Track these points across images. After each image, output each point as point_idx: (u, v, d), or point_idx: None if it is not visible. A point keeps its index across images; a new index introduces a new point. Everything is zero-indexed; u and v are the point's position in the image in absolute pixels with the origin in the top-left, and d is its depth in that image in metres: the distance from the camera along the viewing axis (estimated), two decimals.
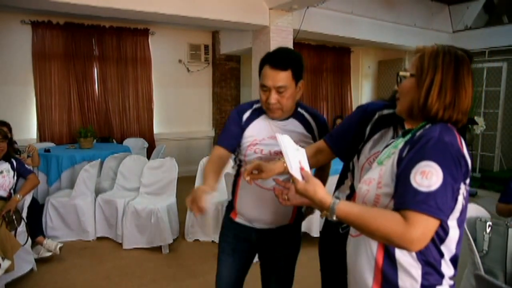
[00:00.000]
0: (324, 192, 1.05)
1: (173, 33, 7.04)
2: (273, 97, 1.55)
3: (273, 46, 5.38)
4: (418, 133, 1.05)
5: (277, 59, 1.55)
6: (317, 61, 8.04)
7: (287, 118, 1.67)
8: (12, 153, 3.40)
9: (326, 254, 1.69)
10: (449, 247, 1.04)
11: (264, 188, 1.62)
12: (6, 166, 3.23)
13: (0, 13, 5.62)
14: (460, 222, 1.05)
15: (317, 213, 1.61)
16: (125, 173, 4.36)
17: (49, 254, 3.44)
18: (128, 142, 6.25)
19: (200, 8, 4.82)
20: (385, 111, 1.39)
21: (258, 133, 1.65)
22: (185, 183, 4.07)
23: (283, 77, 1.53)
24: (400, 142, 1.11)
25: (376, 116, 1.39)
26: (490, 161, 7.52)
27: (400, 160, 1.03)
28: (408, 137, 1.09)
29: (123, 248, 3.76)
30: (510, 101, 7.42)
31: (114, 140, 6.50)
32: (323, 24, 6.14)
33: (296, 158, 1.10)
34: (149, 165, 4.13)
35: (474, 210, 2.27)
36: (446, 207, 0.95)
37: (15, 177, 3.30)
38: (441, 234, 1.01)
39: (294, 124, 1.66)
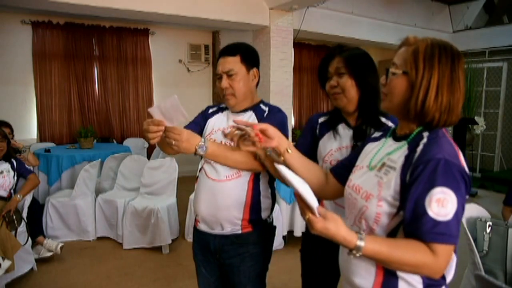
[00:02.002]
0: (346, 229, 0.96)
1: (173, 33, 7.05)
2: (224, 81, 1.60)
3: (273, 46, 5.38)
4: (418, 149, 1.00)
5: (226, 48, 1.64)
6: (317, 61, 8.02)
7: (245, 111, 1.67)
8: (12, 153, 3.40)
9: (307, 259, 1.69)
10: (452, 258, 1.04)
11: (213, 180, 1.60)
12: (6, 166, 3.23)
13: (0, 13, 5.63)
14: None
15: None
16: (125, 173, 4.36)
17: (49, 254, 3.44)
18: (128, 142, 6.26)
19: (200, 8, 4.83)
20: (321, 119, 1.64)
21: (215, 124, 1.70)
22: (185, 183, 4.08)
23: (230, 61, 1.60)
24: (395, 151, 1.06)
25: (319, 122, 1.64)
26: (490, 161, 7.52)
27: (403, 180, 0.99)
28: (404, 146, 1.05)
29: (123, 248, 3.76)
30: (511, 101, 7.42)
31: (114, 140, 6.50)
32: (323, 24, 6.14)
33: (311, 192, 0.99)
34: (149, 165, 4.14)
35: (475, 210, 2.27)
36: (459, 230, 0.95)
37: (15, 177, 3.30)
38: None
39: (248, 115, 1.66)
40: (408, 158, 1.01)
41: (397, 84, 1.06)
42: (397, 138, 1.12)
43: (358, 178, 1.15)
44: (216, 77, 1.66)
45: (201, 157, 1.53)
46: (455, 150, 0.99)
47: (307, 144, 1.64)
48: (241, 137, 1.30)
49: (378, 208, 1.03)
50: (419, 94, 1.01)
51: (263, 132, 1.26)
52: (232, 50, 1.61)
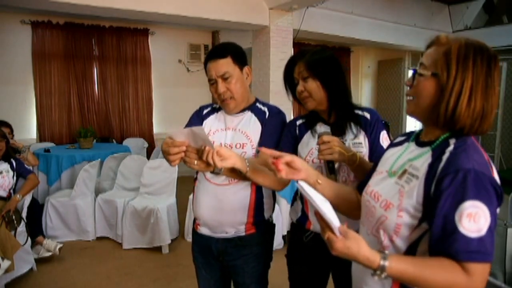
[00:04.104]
0: (368, 248, 0.89)
1: (173, 33, 7.04)
2: (221, 86, 1.54)
3: (273, 46, 5.38)
4: (444, 157, 0.92)
5: (214, 51, 1.58)
6: None
7: (242, 111, 1.64)
8: (11, 153, 3.40)
9: (293, 262, 1.68)
10: None
11: (215, 184, 1.58)
12: (5, 166, 3.23)
13: (0, 13, 5.62)
14: None
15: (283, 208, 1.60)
16: (125, 173, 4.36)
17: (49, 254, 3.44)
18: (128, 142, 6.26)
19: (200, 8, 4.83)
20: (299, 121, 1.63)
21: (212, 125, 1.66)
22: (185, 183, 4.06)
23: (223, 64, 1.53)
24: (418, 157, 1.00)
25: (297, 124, 1.63)
26: None
27: (427, 191, 0.92)
28: (427, 153, 0.98)
29: (123, 248, 3.76)
30: (510, 100, 7.42)
31: (114, 140, 6.50)
32: (323, 24, 6.14)
33: (329, 210, 0.93)
34: (149, 165, 4.13)
35: None
36: (493, 245, 0.87)
37: (15, 177, 3.30)
38: None
39: (248, 116, 1.63)
40: (432, 166, 0.94)
41: (425, 86, 0.98)
42: (420, 144, 1.04)
43: (377, 184, 1.09)
44: (210, 83, 1.58)
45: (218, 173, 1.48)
46: (485, 159, 0.91)
47: (292, 144, 1.60)
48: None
49: (398, 219, 0.96)
50: (450, 99, 0.93)
51: (289, 164, 1.16)
52: (221, 52, 1.55)
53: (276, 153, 1.18)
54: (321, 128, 1.55)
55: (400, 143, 1.15)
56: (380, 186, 1.07)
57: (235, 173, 1.43)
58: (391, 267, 0.87)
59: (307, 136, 1.58)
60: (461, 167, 0.87)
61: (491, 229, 0.85)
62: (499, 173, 0.95)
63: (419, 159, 0.99)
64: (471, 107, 0.92)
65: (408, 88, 1.05)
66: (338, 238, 0.90)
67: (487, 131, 0.97)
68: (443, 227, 0.87)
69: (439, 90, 0.95)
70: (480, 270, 0.85)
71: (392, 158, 1.11)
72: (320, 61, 1.49)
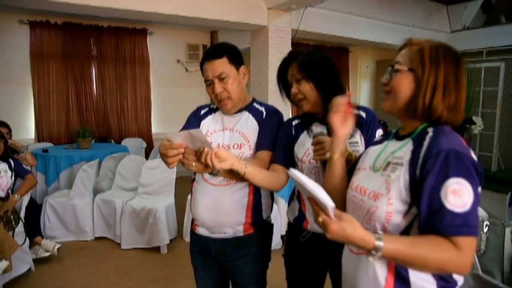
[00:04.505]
0: (363, 230, 0.92)
1: (171, 33, 7.04)
2: (218, 86, 1.54)
3: (271, 46, 5.39)
4: (425, 143, 0.98)
5: (210, 51, 1.58)
6: None
7: (239, 112, 1.64)
8: (10, 153, 3.40)
9: (291, 261, 1.68)
10: None
11: (213, 185, 1.57)
12: (3, 166, 3.22)
13: None
14: None
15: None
16: (123, 173, 4.36)
17: (47, 254, 3.43)
18: (127, 142, 6.25)
19: (199, 8, 4.83)
20: (294, 122, 1.62)
21: (210, 125, 1.66)
22: (183, 183, 4.05)
23: (219, 64, 1.53)
24: (400, 149, 1.05)
25: (293, 124, 1.61)
26: (488, 161, 7.53)
27: (412, 175, 0.97)
28: (409, 143, 1.03)
29: (121, 248, 3.76)
30: (508, 100, 7.43)
31: (112, 140, 6.50)
32: (322, 24, 6.14)
33: (322, 193, 0.94)
34: (148, 165, 4.13)
35: None
36: (478, 219, 0.93)
37: (13, 177, 3.29)
38: None
39: (245, 116, 1.63)
40: (415, 152, 0.99)
41: (403, 81, 1.04)
42: (400, 138, 1.10)
43: (362, 179, 1.12)
44: (206, 84, 1.58)
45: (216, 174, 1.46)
46: (464, 143, 0.98)
47: (288, 144, 1.59)
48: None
49: (388, 206, 0.99)
50: (427, 91, 1.00)
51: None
52: (217, 52, 1.55)
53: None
54: (317, 128, 1.55)
55: (380, 142, 1.20)
56: (365, 181, 1.10)
57: (233, 174, 1.43)
58: (386, 247, 0.90)
59: (303, 136, 1.58)
60: (443, 148, 0.93)
61: (474, 205, 0.90)
62: (479, 158, 1.02)
63: (402, 149, 1.04)
64: (446, 99, 1.00)
65: (385, 86, 1.10)
66: (333, 220, 0.92)
67: (460, 123, 1.04)
68: (430, 206, 0.92)
69: (416, 84, 1.02)
70: (469, 244, 0.90)
71: (373, 155, 1.15)
72: (313, 62, 1.49)
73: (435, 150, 0.94)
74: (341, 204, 1.20)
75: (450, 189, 0.90)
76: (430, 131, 1.02)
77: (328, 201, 0.92)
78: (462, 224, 0.89)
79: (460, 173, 0.91)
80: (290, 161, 1.57)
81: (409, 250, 0.90)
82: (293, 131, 1.60)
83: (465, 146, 0.96)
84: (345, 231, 0.91)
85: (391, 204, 0.99)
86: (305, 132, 1.58)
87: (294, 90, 1.52)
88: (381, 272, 1.01)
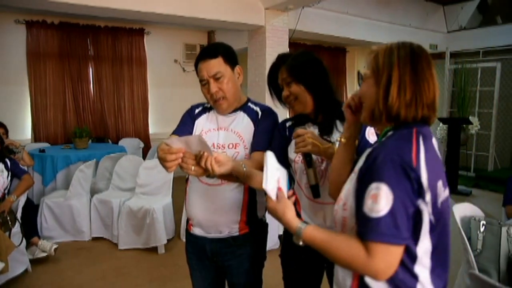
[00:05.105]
0: (293, 214, 1.04)
1: (168, 33, 7.03)
2: (213, 86, 1.54)
3: (268, 46, 5.39)
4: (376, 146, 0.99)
5: (204, 51, 1.58)
6: None
7: (234, 112, 1.64)
8: (6, 153, 3.38)
9: (288, 261, 1.69)
10: (425, 265, 0.97)
11: (206, 184, 1.58)
12: (0, 166, 3.21)
13: None
14: (437, 234, 0.97)
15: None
16: (120, 173, 4.35)
17: (44, 254, 3.43)
18: (124, 142, 6.24)
19: (196, 8, 4.82)
20: (288, 123, 1.63)
21: (205, 125, 1.66)
22: (180, 183, 4.04)
23: (215, 64, 1.54)
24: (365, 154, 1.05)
25: (287, 126, 1.63)
26: (485, 160, 7.57)
27: (358, 179, 0.99)
28: (370, 149, 1.02)
29: (118, 249, 3.75)
30: (504, 101, 7.47)
31: (109, 140, 6.48)
32: (319, 24, 6.15)
33: (275, 177, 1.08)
34: (145, 165, 4.13)
35: (469, 210, 2.29)
36: (402, 229, 0.89)
37: (9, 178, 3.28)
38: (407, 259, 0.94)
39: (240, 116, 1.64)
40: (366, 159, 1.00)
41: (366, 88, 1.06)
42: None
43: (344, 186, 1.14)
44: (201, 83, 1.58)
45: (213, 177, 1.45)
46: (403, 146, 0.94)
47: (282, 145, 1.60)
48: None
49: (344, 212, 1.03)
50: (381, 90, 1.00)
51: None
52: (212, 52, 1.55)
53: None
54: (309, 128, 1.55)
55: (375, 143, 1.20)
56: (345, 186, 1.11)
57: (231, 177, 1.43)
58: (306, 232, 1.00)
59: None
60: (375, 153, 0.94)
61: (393, 212, 0.88)
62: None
63: (363, 155, 1.04)
64: (401, 96, 0.98)
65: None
66: (271, 200, 1.06)
67: (430, 118, 1.02)
68: (358, 209, 0.95)
69: (375, 88, 1.03)
70: (381, 250, 0.89)
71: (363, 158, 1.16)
72: (302, 65, 1.50)
73: (371, 156, 0.95)
74: None
75: (371, 193, 0.90)
76: (389, 135, 1.02)
77: (267, 184, 1.04)
78: (373, 229, 0.89)
79: (382, 177, 0.90)
80: (283, 162, 1.55)
81: (323, 242, 0.97)
82: (287, 132, 1.61)
83: (408, 150, 0.93)
84: (277, 212, 1.05)
85: (346, 210, 1.02)
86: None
87: (285, 93, 1.53)
88: (348, 274, 1.04)
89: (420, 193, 0.91)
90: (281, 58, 1.60)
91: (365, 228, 0.91)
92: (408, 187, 0.90)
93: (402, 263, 0.94)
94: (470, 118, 6.70)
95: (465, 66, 7.39)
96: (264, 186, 1.04)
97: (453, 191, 6.01)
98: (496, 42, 7.26)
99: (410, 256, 0.94)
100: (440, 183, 0.97)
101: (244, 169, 1.35)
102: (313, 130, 1.52)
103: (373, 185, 0.90)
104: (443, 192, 0.99)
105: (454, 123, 6.41)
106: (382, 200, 0.88)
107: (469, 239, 2.12)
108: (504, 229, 2.02)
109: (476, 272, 1.90)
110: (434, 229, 0.95)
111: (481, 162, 7.63)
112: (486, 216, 2.26)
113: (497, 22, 7.41)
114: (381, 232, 0.88)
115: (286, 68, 1.51)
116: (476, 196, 5.88)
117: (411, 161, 0.91)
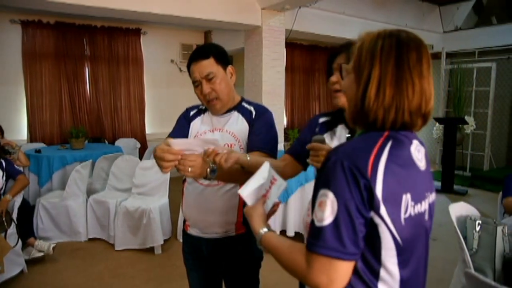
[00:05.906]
0: (259, 220, 1.04)
1: (165, 33, 7.02)
2: (205, 87, 1.55)
3: (265, 46, 5.39)
4: None
5: (196, 53, 1.58)
6: (309, 61, 8.06)
7: (228, 112, 1.65)
8: (1, 153, 3.37)
9: None
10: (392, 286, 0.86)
11: (203, 185, 1.58)
12: None
13: None
14: (408, 262, 0.86)
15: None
16: (117, 173, 4.34)
17: (40, 254, 3.41)
18: (120, 142, 6.22)
19: (193, 8, 4.82)
20: (322, 119, 1.54)
21: (200, 127, 1.66)
22: (177, 184, 4.04)
23: (207, 65, 1.55)
24: None
25: (319, 122, 1.54)
26: (480, 160, 7.61)
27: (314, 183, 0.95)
28: None
29: (115, 249, 3.74)
30: (499, 101, 7.52)
31: (105, 140, 6.46)
32: (315, 24, 6.17)
33: (255, 186, 1.11)
34: (141, 166, 4.12)
35: (465, 209, 2.30)
36: (347, 243, 0.78)
37: (4, 178, 3.26)
38: (370, 275, 0.84)
39: (235, 116, 1.64)
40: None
41: (345, 83, 0.96)
42: None
43: None
44: (194, 85, 1.59)
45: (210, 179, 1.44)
46: (360, 151, 0.83)
47: (305, 142, 1.54)
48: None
49: (308, 218, 1.01)
50: (360, 88, 0.88)
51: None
52: (203, 53, 1.56)
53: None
54: (341, 131, 1.48)
55: None
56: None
57: (228, 178, 1.44)
58: (263, 237, 1.00)
59: (326, 136, 1.49)
60: (327, 156, 0.84)
61: (337, 221, 0.79)
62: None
63: None
64: (379, 98, 0.85)
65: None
66: (248, 205, 1.10)
67: (420, 124, 0.89)
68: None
69: (355, 85, 0.90)
70: (322, 264, 0.80)
71: None
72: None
73: (326, 157, 0.86)
74: None
75: (319, 201, 0.82)
76: (357, 135, 0.96)
77: (243, 191, 1.10)
78: (315, 239, 0.81)
79: (328, 183, 0.81)
80: (302, 156, 1.50)
81: (274, 248, 0.96)
82: (317, 129, 1.54)
83: (359, 153, 0.82)
84: (247, 216, 1.08)
85: (309, 216, 0.97)
86: (328, 133, 1.51)
87: (333, 78, 1.43)
88: None
89: (371, 205, 0.80)
90: (347, 44, 1.46)
91: (310, 238, 0.83)
92: (357, 196, 0.79)
93: (362, 279, 0.84)
94: (466, 118, 6.73)
95: (461, 66, 7.43)
96: (239, 191, 1.11)
97: (449, 190, 6.04)
98: (492, 42, 7.31)
99: (373, 274, 0.84)
100: (407, 197, 0.84)
101: (248, 158, 1.36)
102: (345, 134, 1.45)
103: (321, 192, 0.82)
104: (413, 207, 0.86)
105: (450, 123, 6.44)
106: (327, 208, 0.80)
107: (465, 238, 2.13)
108: (499, 229, 2.03)
109: (472, 271, 1.91)
110: (402, 252, 0.84)
111: (477, 161, 7.67)
112: (482, 216, 2.27)
113: (492, 22, 7.45)
114: (322, 245, 0.79)
115: (346, 55, 1.40)
116: (472, 196, 5.91)
117: (365, 167, 0.79)
